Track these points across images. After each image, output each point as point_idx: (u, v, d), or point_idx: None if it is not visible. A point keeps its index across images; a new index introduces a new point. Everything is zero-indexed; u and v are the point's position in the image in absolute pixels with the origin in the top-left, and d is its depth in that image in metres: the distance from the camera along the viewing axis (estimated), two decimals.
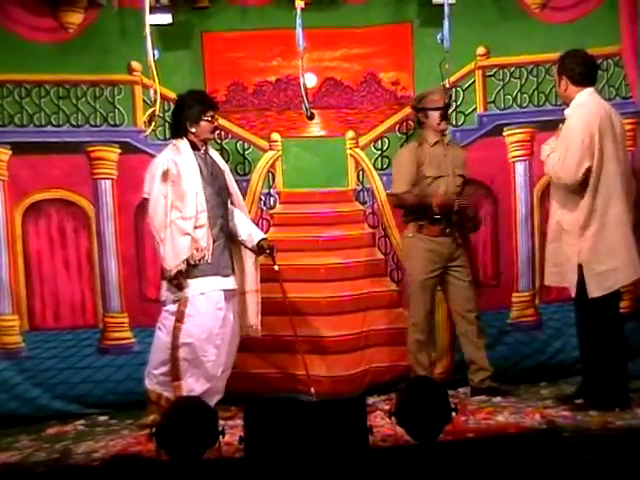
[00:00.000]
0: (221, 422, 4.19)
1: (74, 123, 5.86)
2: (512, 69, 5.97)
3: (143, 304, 5.91)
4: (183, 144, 5.37)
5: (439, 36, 5.38)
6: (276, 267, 5.50)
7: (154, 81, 5.40)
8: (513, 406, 5.32)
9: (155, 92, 5.44)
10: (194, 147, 5.39)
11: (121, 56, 5.84)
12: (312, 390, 5.47)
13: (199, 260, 5.26)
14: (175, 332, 5.26)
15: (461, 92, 5.97)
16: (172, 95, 5.80)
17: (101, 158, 5.88)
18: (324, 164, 5.89)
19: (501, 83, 5.98)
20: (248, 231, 5.51)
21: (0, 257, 5.76)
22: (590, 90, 5.09)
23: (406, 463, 3.96)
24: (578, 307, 5.18)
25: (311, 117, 5.39)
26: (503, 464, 3.93)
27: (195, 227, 5.26)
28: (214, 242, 5.31)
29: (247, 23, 5.90)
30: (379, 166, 6.02)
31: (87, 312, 5.90)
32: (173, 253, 5.23)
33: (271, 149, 5.99)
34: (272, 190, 5.99)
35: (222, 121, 5.88)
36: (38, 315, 5.86)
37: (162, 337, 5.35)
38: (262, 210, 5.95)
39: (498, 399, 5.52)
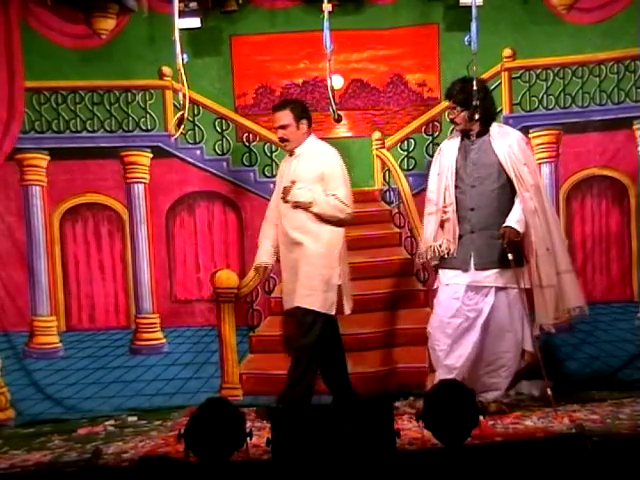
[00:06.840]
0: (249, 424, 4.25)
1: (108, 129, 6.00)
2: (538, 71, 5.98)
3: (173, 305, 6.05)
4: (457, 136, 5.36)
5: (466, 38, 5.38)
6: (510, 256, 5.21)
7: (183, 85, 5.41)
8: (541, 410, 5.25)
9: (184, 96, 5.43)
10: (465, 137, 5.34)
11: (151, 62, 5.96)
12: None
13: (447, 253, 5.29)
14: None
15: None
16: (201, 99, 5.91)
17: (134, 163, 6.02)
18: (350, 165, 5.90)
19: (527, 85, 5.99)
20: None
21: (39, 261, 5.94)
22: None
23: (433, 467, 3.96)
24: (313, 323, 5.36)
25: (338, 120, 5.41)
26: (531, 469, 3.92)
27: (442, 220, 5.31)
28: (460, 237, 5.28)
29: (274, 26, 5.98)
30: (405, 167, 6.09)
31: (120, 313, 6.05)
32: (423, 240, 5.40)
33: None
34: None
35: (250, 124, 6.00)
36: (74, 316, 6.03)
37: None
38: None
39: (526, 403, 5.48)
